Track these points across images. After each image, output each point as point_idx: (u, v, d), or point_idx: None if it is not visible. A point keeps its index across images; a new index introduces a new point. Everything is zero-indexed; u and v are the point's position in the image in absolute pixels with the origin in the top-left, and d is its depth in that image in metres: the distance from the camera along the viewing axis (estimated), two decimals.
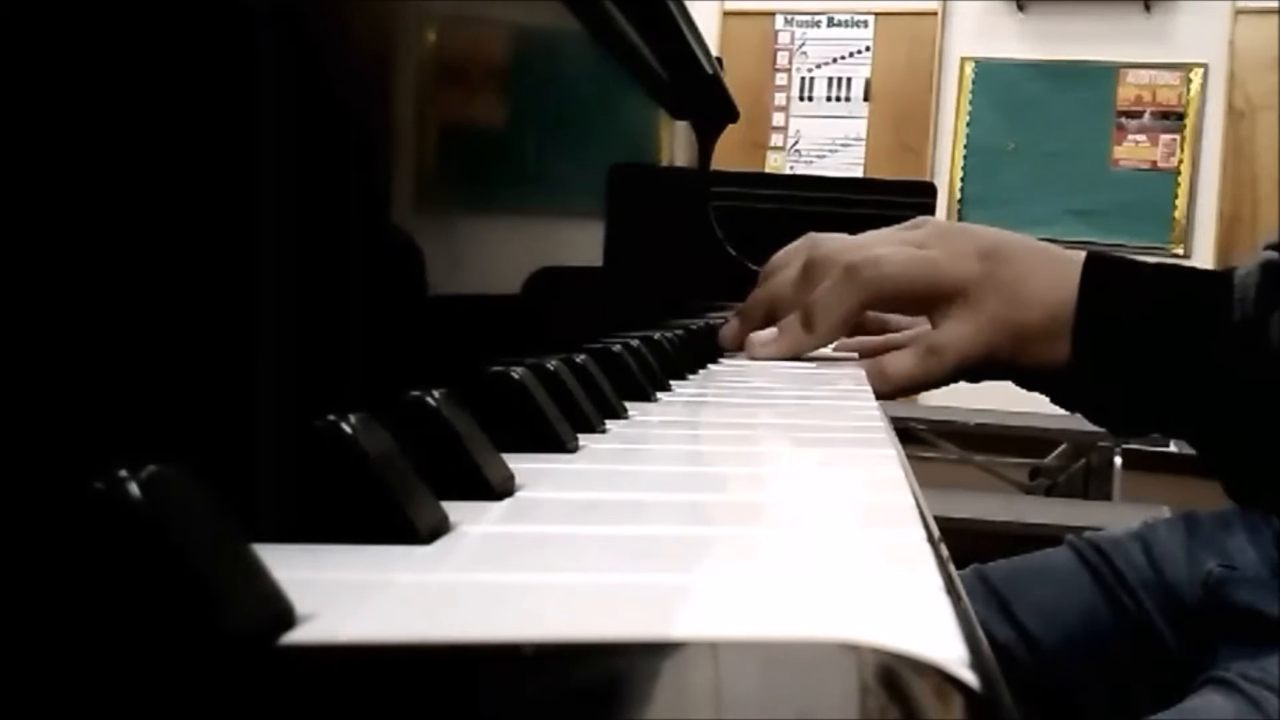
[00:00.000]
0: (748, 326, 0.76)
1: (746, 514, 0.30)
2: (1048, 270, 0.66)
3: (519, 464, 0.32)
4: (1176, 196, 4.82)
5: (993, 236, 0.68)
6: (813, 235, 0.74)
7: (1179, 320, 0.62)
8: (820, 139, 5.14)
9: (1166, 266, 0.66)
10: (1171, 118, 4.85)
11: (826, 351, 0.76)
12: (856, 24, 5.10)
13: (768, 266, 0.78)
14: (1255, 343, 0.60)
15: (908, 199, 1.42)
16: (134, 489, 0.17)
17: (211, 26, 0.28)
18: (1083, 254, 0.66)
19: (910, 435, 3.31)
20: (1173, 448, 3.32)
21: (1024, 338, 0.65)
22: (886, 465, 0.36)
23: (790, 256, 0.75)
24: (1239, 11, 4.71)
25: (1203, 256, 4.72)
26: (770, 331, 0.73)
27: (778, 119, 5.17)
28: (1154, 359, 0.62)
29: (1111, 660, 0.77)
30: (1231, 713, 0.63)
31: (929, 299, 0.67)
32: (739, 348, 0.77)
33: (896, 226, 0.72)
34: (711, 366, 0.73)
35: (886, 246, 0.68)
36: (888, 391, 0.68)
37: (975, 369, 0.67)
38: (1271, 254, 0.63)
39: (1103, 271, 0.65)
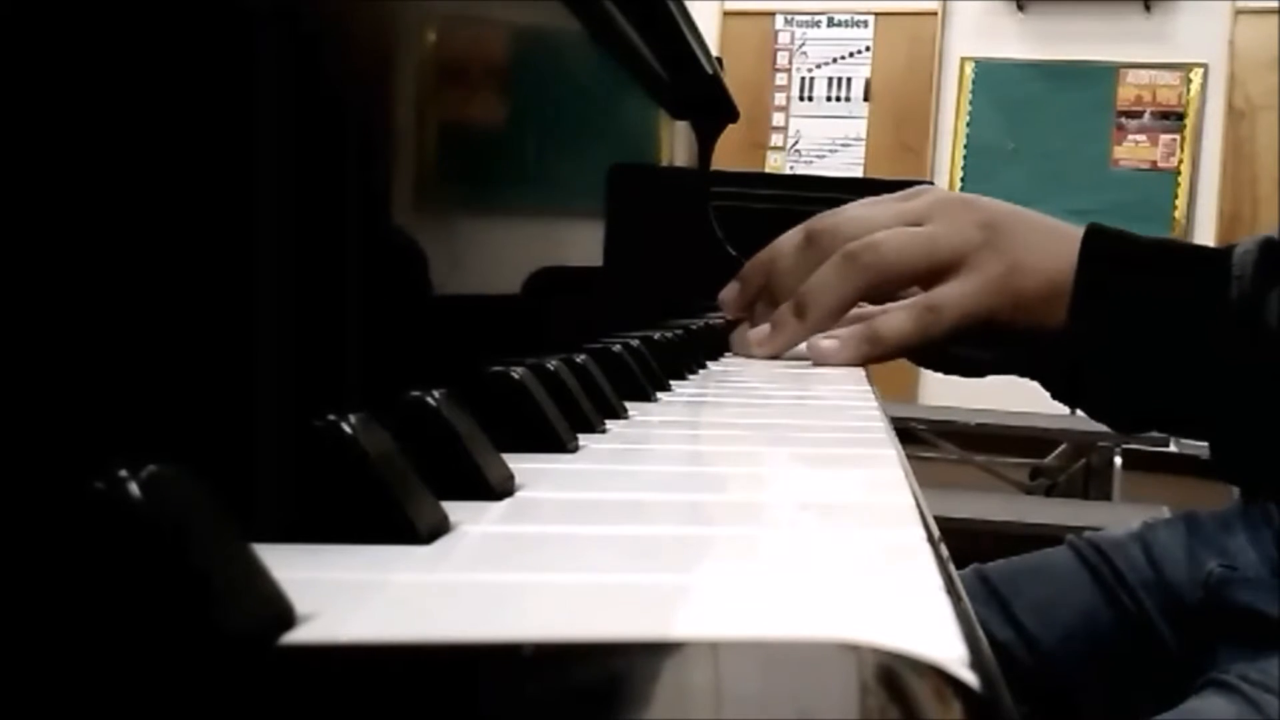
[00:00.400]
0: (747, 291, 0.76)
1: (746, 514, 0.30)
2: (1049, 241, 0.65)
3: (519, 464, 0.32)
4: (1176, 196, 4.82)
5: (993, 209, 0.67)
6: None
7: (1176, 296, 0.62)
8: (820, 139, 5.13)
9: (1167, 242, 0.66)
10: (1171, 118, 4.85)
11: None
12: (856, 24, 5.10)
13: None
14: (1251, 321, 0.60)
15: None
16: (134, 489, 0.17)
17: (212, 26, 0.28)
18: (1083, 227, 0.66)
19: (910, 435, 3.31)
20: (1173, 447, 3.32)
21: (1022, 306, 0.65)
22: (886, 465, 0.36)
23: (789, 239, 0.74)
24: (1239, 11, 4.71)
25: None
26: (764, 329, 0.72)
27: (778, 119, 5.17)
28: (1149, 336, 0.62)
29: (1111, 660, 0.77)
30: (1232, 714, 0.62)
31: (929, 275, 0.66)
32: (738, 311, 0.77)
33: (896, 195, 0.71)
34: (711, 366, 0.73)
35: (885, 228, 0.67)
36: (880, 354, 0.67)
37: (973, 331, 0.66)
38: (1270, 234, 0.62)
39: (1103, 243, 0.65)
